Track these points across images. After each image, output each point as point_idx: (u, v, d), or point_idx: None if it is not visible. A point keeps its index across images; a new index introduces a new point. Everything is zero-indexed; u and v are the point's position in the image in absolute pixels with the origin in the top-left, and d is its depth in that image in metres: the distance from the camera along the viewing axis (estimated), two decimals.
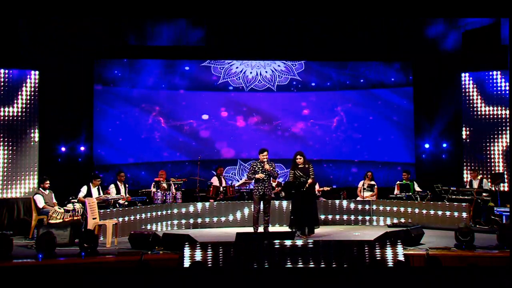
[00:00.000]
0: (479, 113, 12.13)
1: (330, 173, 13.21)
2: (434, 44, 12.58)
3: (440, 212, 10.45)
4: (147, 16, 11.98)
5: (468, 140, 12.25)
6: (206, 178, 12.17)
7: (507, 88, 11.74)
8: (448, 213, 10.34)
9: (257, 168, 9.37)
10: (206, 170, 12.75)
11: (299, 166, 9.39)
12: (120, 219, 9.53)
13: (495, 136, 11.95)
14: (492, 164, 11.90)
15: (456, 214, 10.24)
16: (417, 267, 7.08)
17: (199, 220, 10.84)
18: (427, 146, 13.07)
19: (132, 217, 9.91)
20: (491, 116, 12.00)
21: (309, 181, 9.32)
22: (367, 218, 11.13)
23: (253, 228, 9.46)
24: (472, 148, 12.20)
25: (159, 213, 10.47)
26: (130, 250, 8.02)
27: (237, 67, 13.22)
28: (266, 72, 13.24)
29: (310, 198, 9.42)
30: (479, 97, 12.13)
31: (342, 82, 13.31)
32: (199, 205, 10.91)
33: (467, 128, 12.26)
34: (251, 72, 13.22)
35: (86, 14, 11.37)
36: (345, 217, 11.12)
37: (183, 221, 10.77)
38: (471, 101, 12.23)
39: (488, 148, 11.99)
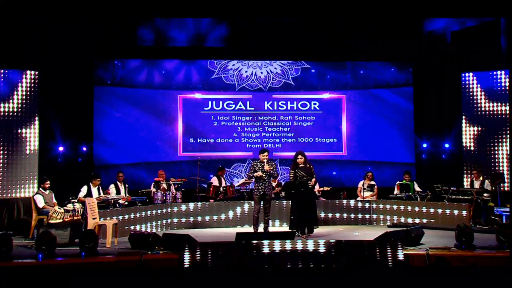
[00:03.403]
0: (479, 113, 12.13)
1: (329, 173, 13.20)
2: (434, 43, 12.59)
3: (440, 212, 10.44)
4: (158, 16, 12.02)
5: (468, 140, 12.24)
6: (206, 178, 12.17)
7: (508, 88, 11.74)
8: (448, 213, 10.34)
9: (257, 168, 9.38)
10: (206, 170, 12.76)
11: (300, 166, 9.39)
12: (120, 219, 9.53)
13: (496, 136, 11.94)
14: (493, 164, 11.90)
15: (456, 214, 10.23)
16: (419, 267, 7.07)
17: (199, 220, 10.84)
18: (425, 145, 13.07)
19: (132, 217, 9.91)
20: (491, 117, 12.00)
21: (313, 180, 9.37)
22: (367, 218, 11.13)
23: (253, 228, 9.46)
24: (472, 148, 12.20)
25: (159, 212, 10.47)
26: (130, 250, 8.01)
27: (233, 64, 13.23)
28: (262, 73, 13.24)
29: (310, 198, 9.43)
30: (479, 97, 12.13)
31: (342, 82, 13.31)
32: (199, 205, 10.91)
33: (467, 128, 12.25)
34: (246, 71, 13.23)
35: (87, 14, 11.40)
36: (345, 217, 11.12)
37: (183, 221, 10.77)
38: (471, 101, 12.22)
39: (488, 148, 11.99)
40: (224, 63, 13.19)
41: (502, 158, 11.82)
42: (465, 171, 12.18)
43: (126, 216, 9.79)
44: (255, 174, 9.31)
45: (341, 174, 13.24)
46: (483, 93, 12.08)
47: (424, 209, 10.65)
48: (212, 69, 13.16)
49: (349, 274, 5.53)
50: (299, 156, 9.44)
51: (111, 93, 12.74)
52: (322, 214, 10.92)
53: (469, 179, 11.71)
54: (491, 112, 11.99)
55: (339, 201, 11.27)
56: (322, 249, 7.16)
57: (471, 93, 12.21)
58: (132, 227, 9.73)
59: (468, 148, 12.24)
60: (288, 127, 13.31)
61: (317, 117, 13.32)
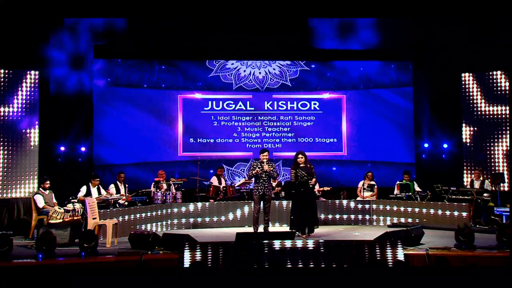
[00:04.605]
0: (479, 113, 12.13)
1: (329, 173, 13.20)
2: (434, 43, 12.58)
3: (440, 212, 10.44)
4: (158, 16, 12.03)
5: (468, 140, 12.24)
6: (206, 178, 12.18)
7: (508, 88, 11.74)
8: (448, 213, 10.34)
9: (257, 167, 9.39)
10: (206, 170, 12.78)
11: (301, 165, 9.40)
12: (120, 219, 9.52)
13: (496, 136, 11.94)
14: (493, 164, 11.89)
15: (456, 214, 10.23)
16: (419, 267, 7.07)
17: (199, 220, 10.84)
18: (426, 145, 13.07)
19: (132, 217, 9.91)
20: (491, 117, 11.99)
21: (313, 180, 9.38)
22: (367, 218, 11.13)
23: (253, 228, 9.46)
24: (472, 148, 12.20)
25: (159, 213, 10.47)
26: (130, 250, 8.02)
27: (232, 63, 13.22)
28: (260, 73, 13.23)
29: (310, 198, 9.43)
30: (479, 97, 12.13)
31: (342, 82, 13.31)
32: (199, 205, 10.91)
33: (467, 128, 12.25)
34: (244, 71, 13.23)
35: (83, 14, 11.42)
36: (345, 217, 11.12)
37: (183, 221, 10.77)
38: (471, 101, 12.22)
39: (488, 148, 11.98)
40: (223, 62, 13.18)
41: (503, 158, 11.81)
42: (465, 171, 12.17)
43: (126, 216, 9.79)
44: (253, 172, 9.34)
45: (341, 174, 13.23)
46: (483, 93, 12.08)
47: (424, 209, 10.65)
48: (211, 67, 13.16)
49: (349, 274, 5.52)
50: (300, 156, 9.45)
51: (111, 93, 12.74)
52: (322, 215, 10.92)
53: (469, 179, 11.71)
54: (491, 112, 11.98)
55: (339, 201, 11.27)
56: (322, 249, 7.17)
57: (471, 93, 12.21)
58: (132, 227, 9.73)
59: (468, 148, 12.24)
60: (288, 127, 13.31)
61: (317, 117, 13.32)
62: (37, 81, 11.20)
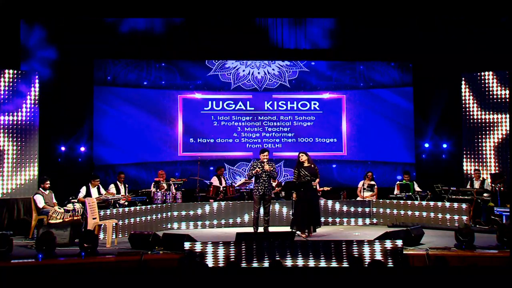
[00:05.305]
0: (479, 113, 12.12)
1: (329, 173, 13.20)
2: (434, 44, 12.58)
3: (440, 212, 10.43)
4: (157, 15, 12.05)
5: (467, 140, 12.24)
6: (207, 178, 12.18)
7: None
8: (448, 213, 10.33)
9: (257, 167, 9.40)
10: (206, 170, 12.78)
11: (304, 165, 9.42)
12: (120, 219, 9.52)
13: (495, 135, 11.93)
14: (490, 164, 11.89)
15: (456, 214, 10.23)
16: (419, 267, 7.07)
17: (199, 220, 10.83)
18: (426, 145, 13.07)
19: (132, 217, 9.90)
20: (491, 116, 11.98)
21: (317, 180, 9.42)
22: (367, 218, 11.13)
23: (253, 228, 9.46)
24: (472, 148, 12.20)
25: (159, 212, 10.46)
26: (130, 250, 8.01)
27: (232, 63, 13.21)
28: (259, 73, 13.23)
29: (311, 198, 9.43)
30: (478, 97, 12.11)
31: (342, 82, 13.30)
32: (199, 205, 10.90)
33: (467, 128, 12.25)
34: (243, 70, 13.22)
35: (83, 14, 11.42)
36: (345, 217, 11.11)
37: (183, 221, 10.77)
38: (471, 101, 12.21)
39: (487, 147, 11.98)
40: (222, 61, 13.18)
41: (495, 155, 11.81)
42: (465, 171, 12.17)
43: (126, 216, 9.78)
44: (253, 171, 9.35)
45: (341, 174, 13.23)
46: (483, 93, 12.07)
47: (424, 209, 10.64)
48: (210, 66, 13.15)
49: (349, 274, 5.53)
50: (301, 155, 9.51)
51: (111, 93, 12.74)
52: (323, 216, 10.90)
53: (469, 179, 11.69)
54: (490, 112, 11.97)
55: (339, 201, 11.27)
56: (322, 249, 7.17)
57: (470, 93, 12.20)
58: (132, 227, 9.72)
59: (468, 147, 12.24)
60: (288, 127, 13.30)
61: (317, 117, 13.31)
62: (37, 80, 11.13)
